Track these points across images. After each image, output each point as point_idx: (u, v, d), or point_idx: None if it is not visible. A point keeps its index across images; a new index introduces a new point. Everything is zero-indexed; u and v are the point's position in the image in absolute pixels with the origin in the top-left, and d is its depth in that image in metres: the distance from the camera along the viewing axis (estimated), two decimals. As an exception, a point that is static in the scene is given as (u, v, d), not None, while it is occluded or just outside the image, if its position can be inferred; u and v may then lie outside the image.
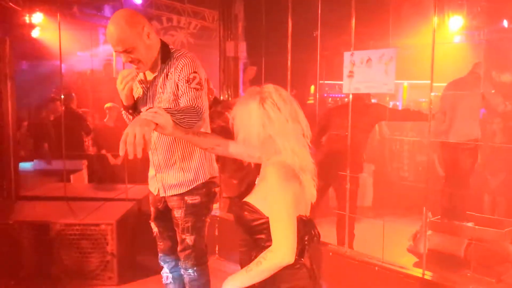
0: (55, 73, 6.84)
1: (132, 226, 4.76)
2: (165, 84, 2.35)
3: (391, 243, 4.51)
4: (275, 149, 1.84)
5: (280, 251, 1.78)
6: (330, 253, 3.84)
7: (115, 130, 6.40)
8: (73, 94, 7.01)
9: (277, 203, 1.80)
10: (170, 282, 2.62)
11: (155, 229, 2.60)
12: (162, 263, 2.62)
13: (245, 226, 1.93)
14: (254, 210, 1.86)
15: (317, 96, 5.15)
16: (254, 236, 1.90)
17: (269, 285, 1.85)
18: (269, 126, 1.81)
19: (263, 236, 1.87)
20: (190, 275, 2.45)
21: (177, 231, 2.46)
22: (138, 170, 6.66)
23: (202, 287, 2.49)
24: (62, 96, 6.02)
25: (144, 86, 2.44)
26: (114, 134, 5.94)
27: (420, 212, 4.44)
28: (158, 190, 2.50)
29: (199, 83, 2.28)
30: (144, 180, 6.53)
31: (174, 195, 2.41)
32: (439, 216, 4.91)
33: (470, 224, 4.62)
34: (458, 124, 4.57)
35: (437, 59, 3.34)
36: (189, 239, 2.40)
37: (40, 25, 7.97)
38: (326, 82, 7.54)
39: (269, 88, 1.86)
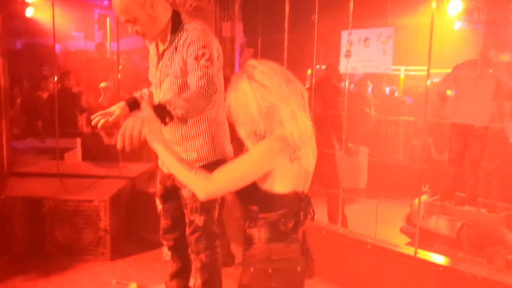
0: (50, 52, 6.77)
1: (125, 203, 4.74)
2: (173, 58, 2.26)
3: (384, 223, 4.52)
4: (278, 120, 1.81)
5: (209, 185, 1.75)
6: (323, 231, 3.84)
7: (109, 109, 6.36)
8: (71, 73, 6.94)
9: (249, 154, 1.78)
10: (169, 260, 2.58)
11: (159, 206, 2.53)
12: (162, 240, 2.57)
13: (239, 196, 1.91)
14: (253, 184, 1.84)
15: (313, 81, 5.10)
16: (247, 206, 1.89)
17: (261, 256, 1.85)
18: (267, 95, 1.78)
19: (256, 207, 1.86)
20: (201, 260, 2.33)
21: (186, 212, 2.34)
22: (133, 149, 6.66)
23: (214, 274, 2.37)
24: (56, 78, 5.95)
25: (155, 57, 2.37)
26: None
27: (414, 194, 4.46)
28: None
29: (209, 59, 2.14)
30: (137, 158, 6.54)
31: None
32: (434, 197, 4.93)
33: (465, 208, 4.63)
34: (469, 106, 4.53)
35: (435, 44, 3.32)
36: (198, 219, 2.28)
37: (34, 4, 7.87)
38: (323, 67, 7.45)
39: (251, 63, 1.83)
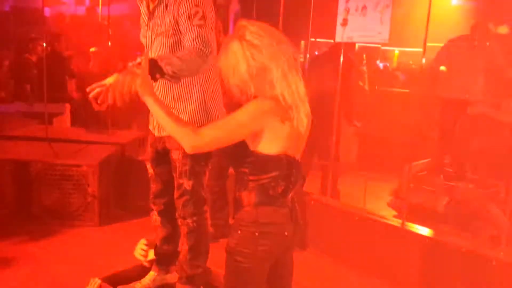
0: (39, 14, 6.59)
1: (114, 169, 4.71)
2: (164, 16, 2.17)
3: (372, 197, 4.57)
4: (269, 82, 1.78)
5: (197, 139, 1.74)
6: (312, 202, 3.86)
7: (99, 76, 6.25)
8: (61, 36, 6.78)
9: (239, 113, 1.75)
10: (159, 226, 2.54)
11: (150, 170, 2.48)
12: (152, 205, 2.53)
13: (231, 158, 1.89)
14: (241, 142, 1.81)
15: (307, 56, 5.00)
16: (238, 169, 1.87)
17: (248, 219, 1.84)
18: (257, 54, 1.74)
19: (246, 170, 1.84)
20: (188, 225, 2.29)
21: (175, 176, 2.29)
22: (123, 116, 6.58)
23: (201, 240, 2.33)
24: (45, 41, 5.80)
25: (146, 16, 2.29)
26: (98, 80, 5.78)
27: (403, 169, 4.47)
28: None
29: (202, 18, 2.06)
30: (128, 126, 6.47)
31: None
32: (423, 173, 4.95)
33: (453, 183, 4.66)
34: (462, 81, 4.50)
35: (431, 20, 3.28)
36: (187, 183, 2.23)
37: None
38: (318, 40, 7.35)
39: (242, 23, 1.78)
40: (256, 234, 1.82)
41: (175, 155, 2.24)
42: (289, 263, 2.07)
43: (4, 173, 4.20)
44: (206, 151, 2.19)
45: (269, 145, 1.79)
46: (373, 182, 4.92)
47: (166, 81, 2.08)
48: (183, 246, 2.34)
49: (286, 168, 1.85)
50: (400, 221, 3.44)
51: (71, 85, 6.85)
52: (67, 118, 6.45)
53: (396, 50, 10.38)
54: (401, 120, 6.54)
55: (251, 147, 1.81)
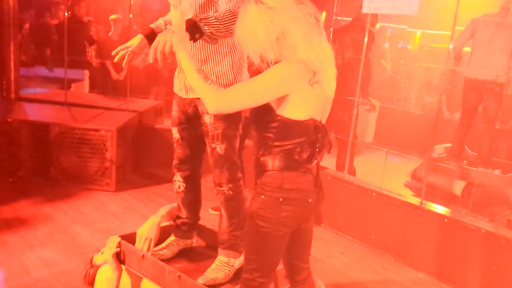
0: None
1: (132, 136, 4.72)
2: None
3: (389, 177, 4.50)
4: (291, 46, 1.73)
5: (220, 99, 1.71)
6: (329, 177, 3.83)
7: (119, 43, 6.22)
8: (82, 1, 6.73)
9: (266, 75, 1.71)
10: (183, 191, 2.49)
11: (176, 135, 2.40)
12: (175, 171, 2.46)
13: (255, 122, 1.86)
14: (267, 106, 1.77)
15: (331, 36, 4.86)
16: (263, 134, 1.84)
17: (273, 184, 1.81)
18: (275, 17, 1.68)
19: (271, 135, 1.80)
20: (224, 193, 2.25)
21: (207, 141, 2.25)
22: (141, 85, 6.58)
23: (239, 207, 2.29)
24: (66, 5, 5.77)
25: None
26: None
27: (422, 150, 4.41)
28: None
29: None
30: (145, 95, 6.44)
31: None
32: (443, 155, 4.88)
33: (475, 168, 4.59)
34: (486, 60, 4.37)
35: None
36: (220, 148, 2.19)
37: None
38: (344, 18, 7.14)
39: None
40: (280, 199, 1.80)
41: (207, 119, 2.19)
42: (309, 231, 2.05)
43: (23, 135, 4.23)
44: (235, 114, 2.17)
45: (295, 110, 1.75)
46: (390, 161, 4.87)
47: (195, 42, 2.03)
48: (222, 213, 2.31)
49: (313, 134, 1.81)
50: (419, 199, 3.40)
51: (91, 51, 6.83)
52: (85, 84, 6.46)
53: (418, 32, 10.15)
54: (423, 101, 6.44)
55: (277, 112, 1.76)
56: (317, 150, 1.84)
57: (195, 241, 2.55)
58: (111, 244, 2.39)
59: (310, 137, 1.80)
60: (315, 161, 1.87)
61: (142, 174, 4.78)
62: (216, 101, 1.72)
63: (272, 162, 1.81)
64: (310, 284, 2.12)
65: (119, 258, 2.39)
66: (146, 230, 2.43)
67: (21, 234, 3.33)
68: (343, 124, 4.16)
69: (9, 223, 3.48)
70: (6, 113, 4.42)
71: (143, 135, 4.96)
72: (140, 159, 4.95)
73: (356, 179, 3.89)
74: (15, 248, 3.13)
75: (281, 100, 1.74)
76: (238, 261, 2.30)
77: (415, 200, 3.44)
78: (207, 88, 1.73)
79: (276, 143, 1.79)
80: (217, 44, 2.14)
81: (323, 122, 1.86)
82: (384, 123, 6.41)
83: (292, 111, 1.75)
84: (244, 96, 1.73)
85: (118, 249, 2.38)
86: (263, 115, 1.79)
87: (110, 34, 6.86)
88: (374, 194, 3.55)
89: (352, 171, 4.25)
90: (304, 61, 1.72)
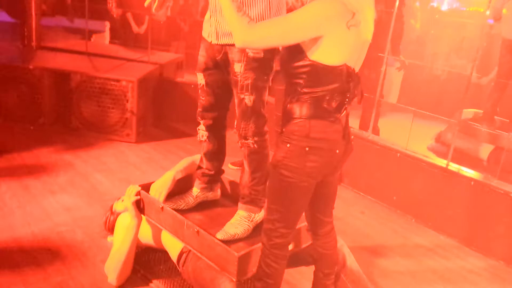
0: None
1: (153, 88, 4.66)
2: None
3: (412, 139, 4.38)
4: None
5: (250, 33, 1.65)
6: (352, 136, 3.72)
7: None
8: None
9: (300, 12, 1.62)
10: (205, 141, 2.42)
11: (201, 81, 2.31)
12: (199, 119, 2.39)
13: (285, 67, 1.77)
14: (298, 50, 1.68)
15: None
16: (292, 79, 1.75)
17: (299, 132, 1.73)
18: None
19: (301, 81, 1.71)
20: (249, 146, 2.17)
21: (235, 91, 2.15)
22: (161, 39, 6.47)
23: (262, 161, 2.21)
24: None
25: None
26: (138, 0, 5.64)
27: (448, 114, 4.25)
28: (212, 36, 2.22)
29: None
30: (166, 48, 6.34)
31: (235, 46, 1.97)
32: (471, 119, 4.72)
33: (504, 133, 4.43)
34: None
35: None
36: (248, 99, 2.08)
37: None
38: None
39: None
40: (307, 149, 1.73)
41: (237, 68, 2.08)
42: (334, 184, 2.00)
43: (44, 82, 4.20)
44: (266, 64, 2.07)
45: (329, 53, 1.65)
46: (414, 124, 4.75)
47: None
48: (245, 167, 2.25)
49: (344, 82, 1.72)
50: (445, 161, 3.30)
51: (111, 2, 6.69)
52: (106, 35, 6.37)
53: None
54: (452, 63, 6.20)
55: (308, 55, 1.67)
56: (347, 99, 1.76)
57: (219, 193, 2.49)
58: (131, 193, 2.37)
59: (341, 85, 1.71)
60: (345, 111, 1.79)
61: (162, 127, 4.75)
62: (245, 34, 1.64)
63: (300, 109, 1.73)
64: (332, 238, 2.08)
65: (139, 206, 2.38)
66: (159, 183, 2.40)
67: (42, 180, 3.35)
68: (370, 82, 4.03)
69: (31, 168, 3.51)
70: (28, 60, 4.38)
71: (163, 88, 4.90)
72: (160, 112, 4.91)
73: (380, 138, 3.79)
74: (37, 193, 3.16)
75: (313, 42, 1.63)
76: (258, 216, 2.25)
77: (441, 162, 3.35)
78: (238, 19, 1.64)
79: (305, 90, 1.71)
80: None
81: (357, 70, 1.76)
82: (409, 84, 6.22)
83: (325, 55, 1.65)
84: (275, 33, 1.64)
85: (138, 197, 2.36)
86: (293, 59, 1.70)
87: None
88: (398, 154, 3.46)
89: (376, 131, 4.15)
90: (342, 1, 1.61)
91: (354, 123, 4.20)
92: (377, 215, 3.41)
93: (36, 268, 2.39)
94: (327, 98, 1.71)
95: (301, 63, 1.68)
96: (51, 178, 3.40)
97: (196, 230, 2.09)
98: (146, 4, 2.16)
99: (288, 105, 1.78)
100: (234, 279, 1.96)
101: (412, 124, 3.92)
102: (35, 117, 4.27)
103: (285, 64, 1.75)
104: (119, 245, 2.34)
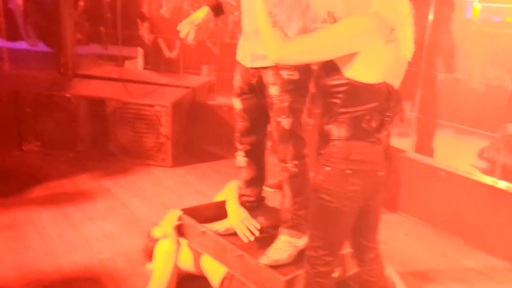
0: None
1: (186, 112, 4.68)
2: None
3: (452, 155, 4.22)
4: (363, 2, 1.57)
5: (284, 48, 1.62)
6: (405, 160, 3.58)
7: (170, 21, 6.18)
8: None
9: (335, 27, 1.58)
10: (245, 167, 2.38)
11: (238, 106, 2.28)
12: (238, 145, 2.36)
13: (320, 86, 1.71)
14: (333, 67, 1.62)
15: None
16: (328, 99, 1.69)
17: (339, 155, 1.67)
18: None
19: (337, 100, 1.65)
20: (289, 169, 2.12)
21: (271, 114, 2.10)
22: (193, 62, 6.53)
23: (303, 184, 2.15)
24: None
25: None
26: (169, 25, 5.74)
27: (489, 129, 4.08)
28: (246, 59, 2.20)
29: None
30: (197, 71, 6.40)
31: (269, 69, 2.05)
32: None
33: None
34: None
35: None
36: (286, 122, 2.05)
37: None
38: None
39: None
40: (348, 172, 1.66)
41: (273, 91, 2.05)
42: (378, 207, 1.91)
43: (81, 110, 4.28)
44: (302, 86, 2.03)
45: (366, 71, 1.59)
46: (452, 140, 4.59)
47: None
48: (286, 191, 2.19)
49: (384, 100, 1.65)
50: (492, 178, 3.14)
51: (143, 29, 6.83)
52: (139, 61, 6.49)
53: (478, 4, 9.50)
54: (494, 73, 5.97)
55: (343, 72, 1.61)
56: (388, 118, 1.68)
57: (261, 220, 2.41)
58: (171, 217, 2.34)
59: (380, 104, 1.64)
60: (385, 131, 1.71)
61: (196, 151, 4.74)
62: (279, 50, 1.61)
63: (338, 130, 1.67)
64: (378, 264, 1.99)
65: (179, 231, 2.34)
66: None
67: (81, 207, 3.37)
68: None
69: (70, 196, 3.54)
70: (65, 89, 4.48)
71: (196, 111, 4.92)
72: (194, 135, 4.92)
73: (422, 157, 3.65)
74: (76, 221, 3.18)
75: (348, 58, 1.57)
76: (301, 241, 2.18)
77: (488, 180, 3.19)
78: (273, 33, 1.61)
79: (342, 110, 1.64)
80: (288, 10, 1.98)
81: (396, 87, 1.69)
82: (447, 98, 6.02)
83: (361, 72, 1.58)
84: (309, 48, 1.59)
85: (180, 222, 2.32)
86: (328, 77, 1.64)
87: (161, 11, 6.84)
88: (442, 173, 3.32)
89: (431, 151, 3.97)
90: (379, 16, 1.55)
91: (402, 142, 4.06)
92: (422, 238, 3.26)
93: (79, 298, 2.38)
94: (367, 117, 1.65)
95: (337, 81, 1.63)
96: (90, 205, 3.42)
97: (239, 254, 2.03)
98: (182, 35, 2.16)
99: (325, 126, 1.72)
100: None
101: (452, 139, 3.79)
102: (73, 144, 4.33)
103: (320, 83, 1.69)
104: (160, 272, 2.29)
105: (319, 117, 1.77)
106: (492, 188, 3.08)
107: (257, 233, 2.24)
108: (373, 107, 1.64)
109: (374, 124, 1.66)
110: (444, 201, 3.33)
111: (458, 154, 4.47)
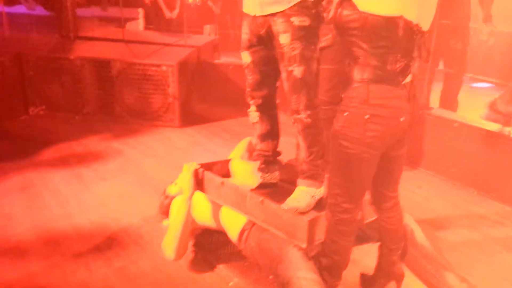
0: None
1: (192, 71, 4.62)
2: None
3: (463, 106, 4.15)
4: None
5: None
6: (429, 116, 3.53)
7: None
8: None
9: None
10: (257, 122, 2.34)
11: (247, 59, 2.22)
12: (249, 99, 2.31)
13: (338, 24, 1.64)
14: (349, 2, 1.56)
15: None
16: (347, 38, 1.62)
17: (358, 98, 1.62)
18: None
19: (355, 38, 1.58)
20: (302, 121, 2.08)
21: (282, 64, 2.04)
22: (194, 22, 6.40)
23: (318, 134, 2.12)
24: None
25: None
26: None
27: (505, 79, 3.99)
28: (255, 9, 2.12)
29: None
30: (199, 31, 6.27)
31: (279, 16, 1.97)
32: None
33: None
34: None
35: None
36: (297, 70, 1.99)
37: None
38: None
39: None
40: (366, 117, 1.60)
41: (283, 39, 1.98)
42: (401, 158, 1.87)
43: (86, 72, 4.22)
44: (312, 32, 1.97)
45: (380, 1, 1.51)
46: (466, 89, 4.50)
47: None
48: (300, 143, 2.16)
49: (406, 38, 1.56)
50: (508, 128, 3.11)
51: (143, -11, 6.67)
52: (140, 22, 6.37)
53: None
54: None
55: (358, 6, 1.53)
56: (412, 60, 1.61)
57: (277, 175, 2.37)
58: (187, 170, 2.31)
59: (401, 43, 1.56)
60: (410, 74, 1.65)
61: (204, 110, 4.71)
62: None
63: (360, 72, 1.60)
64: (397, 212, 1.97)
65: (197, 182, 2.30)
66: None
67: (93, 168, 3.37)
68: (456, 53, 3.79)
69: (81, 157, 3.54)
70: (67, 51, 4.40)
71: (202, 71, 4.85)
72: (201, 95, 4.87)
73: (435, 109, 3.60)
74: (89, 181, 3.18)
75: None
76: (319, 191, 2.17)
77: (498, 129, 3.15)
78: None
79: (362, 48, 1.57)
80: None
81: (424, 28, 1.62)
82: (497, 53, 5.84)
83: (375, 3, 1.51)
84: None
85: (198, 167, 2.28)
86: (343, 13, 1.57)
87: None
88: (455, 124, 3.29)
89: (454, 106, 3.90)
90: None
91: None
92: (435, 189, 3.26)
93: (97, 254, 2.40)
94: (390, 59, 1.58)
95: (352, 16, 1.55)
96: (102, 166, 3.42)
97: (260, 200, 2.01)
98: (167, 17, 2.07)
99: (347, 68, 1.66)
100: (304, 245, 1.89)
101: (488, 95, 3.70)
102: (79, 107, 4.30)
103: (338, 21, 1.62)
104: (175, 225, 2.28)
105: (343, 62, 1.71)
106: (504, 138, 3.05)
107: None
108: (394, 46, 1.56)
109: (398, 66, 1.59)
110: (457, 153, 3.31)
111: (477, 106, 4.39)
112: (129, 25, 6.18)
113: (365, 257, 2.30)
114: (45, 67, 4.24)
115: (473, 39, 5.79)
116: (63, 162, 3.43)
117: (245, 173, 2.37)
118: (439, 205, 3.06)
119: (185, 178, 2.28)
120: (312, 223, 1.88)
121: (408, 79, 1.65)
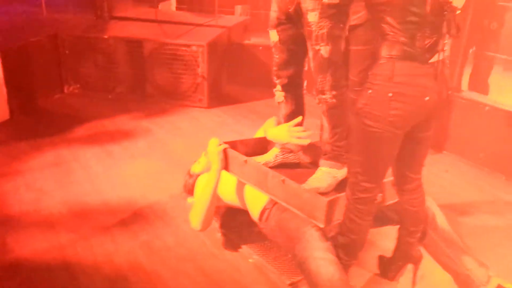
0: None
1: (222, 52, 4.64)
2: None
3: (496, 90, 4.01)
4: None
5: None
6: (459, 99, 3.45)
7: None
8: None
9: None
10: (283, 102, 2.35)
11: (275, 37, 2.22)
12: (275, 79, 2.32)
13: (368, 2, 1.63)
14: None
15: None
16: (376, 15, 1.60)
17: (383, 76, 1.60)
18: None
19: (384, 15, 1.55)
20: (327, 101, 2.06)
21: (309, 42, 2.03)
22: (226, 2, 6.39)
23: (342, 115, 2.09)
24: None
25: None
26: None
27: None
28: None
29: None
30: (231, 11, 6.28)
31: None
32: None
33: None
34: None
35: None
36: (324, 49, 1.96)
37: None
38: None
39: None
40: (390, 95, 1.58)
41: (311, 17, 1.97)
42: (427, 140, 1.83)
43: (119, 51, 4.31)
44: (342, 11, 1.95)
45: None
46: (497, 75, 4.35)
47: None
48: (324, 124, 2.16)
49: (434, 13, 1.52)
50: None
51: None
52: (173, 2, 6.42)
53: None
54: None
55: None
56: (441, 37, 1.57)
57: (300, 155, 2.39)
58: (213, 144, 2.34)
59: (430, 18, 1.52)
60: (440, 51, 1.59)
61: (233, 91, 4.75)
62: None
63: (388, 49, 1.58)
64: (420, 195, 1.95)
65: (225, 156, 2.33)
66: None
67: (123, 146, 3.48)
68: (490, 33, 3.67)
69: (112, 135, 3.65)
70: (102, 31, 4.51)
71: (232, 51, 4.87)
72: (230, 75, 4.90)
73: (465, 91, 3.51)
74: (119, 158, 3.29)
75: None
76: (341, 172, 2.17)
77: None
78: None
79: (390, 25, 1.55)
80: None
81: (456, 4, 1.56)
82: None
83: None
84: None
85: (227, 145, 2.32)
86: None
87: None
88: (487, 108, 3.20)
89: (485, 89, 3.79)
90: None
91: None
92: (462, 174, 3.21)
93: (123, 228, 2.51)
94: (418, 35, 1.54)
95: None
96: (131, 144, 3.52)
97: (281, 179, 2.04)
98: None
99: (376, 45, 1.64)
100: (322, 225, 1.91)
101: (497, 74, 3.58)
102: (112, 86, 4.42)
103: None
104: (200, 201, 2.31)
105: (375, 42, 1.69)
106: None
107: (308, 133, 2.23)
108: (423, 22, 1.53)
109: (426, 42, 1.55)
110: (487, 137, 3.23)
111: (505, 90, 4.25)
112: (162, 6, 6.24)
113: (384, 240, 2.31)
114: (80, 47, 4.36)
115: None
116: (94, 139, 3.55)
117: (281, 131, 2.36)
118: (464, 190, 3.01)
119: (213, 152, 2.31)
120: (331, 204, 1.90)
121: (436, 57, 1.61)
